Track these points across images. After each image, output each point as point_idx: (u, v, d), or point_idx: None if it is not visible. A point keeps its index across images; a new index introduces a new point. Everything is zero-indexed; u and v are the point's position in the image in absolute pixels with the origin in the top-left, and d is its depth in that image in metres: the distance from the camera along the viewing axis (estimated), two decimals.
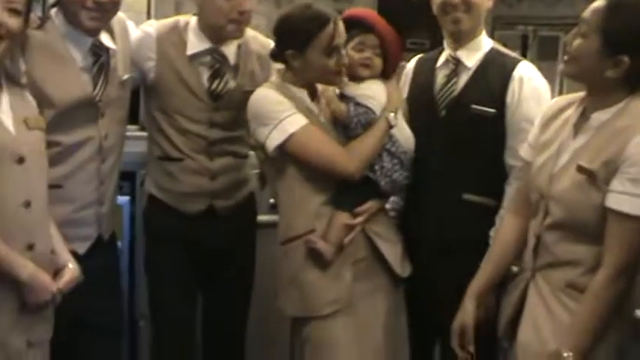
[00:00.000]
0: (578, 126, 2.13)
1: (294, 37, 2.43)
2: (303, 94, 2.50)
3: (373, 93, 2.52)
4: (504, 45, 3.48)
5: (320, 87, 2.58)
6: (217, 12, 2.58)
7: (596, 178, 2.00)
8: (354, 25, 2.54)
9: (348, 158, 2.45)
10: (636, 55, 1.99)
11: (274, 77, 2.56)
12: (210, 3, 2.59)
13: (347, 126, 2.52)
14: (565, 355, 2.01)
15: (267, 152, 2.46)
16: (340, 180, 2.48)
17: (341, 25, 2.44)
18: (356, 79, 2.55)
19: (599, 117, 2.07)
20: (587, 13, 2.05)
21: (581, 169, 2.04)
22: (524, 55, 4.09)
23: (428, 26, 2.84)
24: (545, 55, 4.09)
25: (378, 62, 2.55)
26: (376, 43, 2.54)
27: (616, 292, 2.01)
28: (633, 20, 1.99)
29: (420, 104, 2.65)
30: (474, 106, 2.55)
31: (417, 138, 2.62)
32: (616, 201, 1.97)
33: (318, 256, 2.45)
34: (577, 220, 2.07)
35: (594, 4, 2.05)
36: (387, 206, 2.70)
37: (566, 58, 2.11)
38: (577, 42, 2.05)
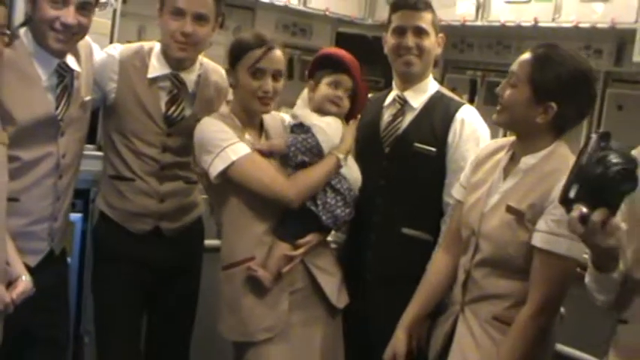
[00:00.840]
0: (508, 169, 2.27)
1: (231, 54, 2.56)
2: (247, 125, 2.58)
3: (330, 130, 2.59)
4: (454, 88, 3.66)
5: (270, 122, 2.67)
6: (164, 32, 2.68)
7: (524, 218, 2.14)
8: (332, 64, 2.65)
9: (289, 185, 2.51)
10: (563, 101, 2.14)
11: (223, 108, 2.65)
12: (162, 24, 2.69)
13: (286, 156, 2.58)
14: None
15: (210, 179, 2.53)
16: (281, 208, 2.54)
17: (275, 53, 2.53)
18: (322, 113, 2.62)
19: (527, 161, 2.21)
20: (515, 65, 2.21)
21: (509, 209, 2.17)
22: (472, 99, 4.25)
23: (383, 64, 2.89)
24: (492, 100, 4.22)
25: (346, 103, 2.64)
26: (350, 85, 2.63)
27: (539, 326, 2.13)
28: (560, 70, 2.14)
29: (367, 140, 2.75)
30: (417, 145, 2.67)
31: (362, 173, 2.69)
32: (541, 240, 2.09)
33: (257, 284, 2.51)
34: (505, 256, 2.19)
35: (522, 57, 2.21)
36: (329, 239, 2.76)
37: (498, 107, 2.25)
38: (508, 92, 2.20)
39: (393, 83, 2.85)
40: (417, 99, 2.77)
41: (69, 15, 2.39)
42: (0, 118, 2.30)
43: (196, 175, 2.72)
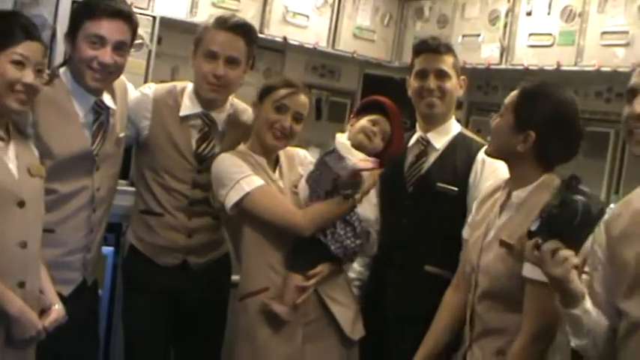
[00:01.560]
0: (504, 205, 2.33)
1: (262, 89, 2.69)
2: (263, 160, 2.67)
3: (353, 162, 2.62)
4: (478, 130, 3.70)
5: (284, 159, 2.76)
6: (197, 73, 2.79)
7: (514, 251, 2.18)
8: (376, 107, 2.74)
9: (301, 215, 2.58)
10: (542, 132, 2.22)
11: (241, 146, 2.73)
12: (196, 65, 2.79)
13: (312, 190, 2.65)
14: None
15: (227, 212, 2.61)
16: (293, 239, 2.59)
17: (300, 96, 2.66)
18: (357, 147, 2.67)
19: (518, 195, 2.28)
20: (506, 98, 2.32)
21: (501, 242, 2.24)
22: None
23: (409, 106, 2.96)
24: None
25: (378, 142, 2.70)
26: (386, 128, 2.71)
27: (534, 355, 2.16)
28: (543, 102, 2.24)
29: (391, 180, 2.81)
30: (439, 185, 2.73)
31: (385, 211, 2.76)
32: (529, 270, 2.13)
33: (271, 315, 2.56)
34: (502, 289, 2.24)
35: (513, 92, 2.31)
36: (352, 275, 2.82)
37: (488, 138, 2.37)
38: (496, 121, 2.32)
39: (417, 125, 2.91)
40: (440, 140, 2.84)
41: (106, 55, 2.52)
42: (39, 152, 2.40)
43: (216, 210, 2.78)
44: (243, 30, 2.78)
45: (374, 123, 2.69)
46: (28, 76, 2.21)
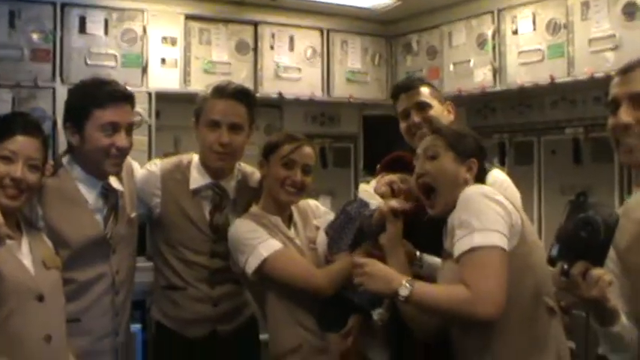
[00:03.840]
0: (444, 235, 2.32)
1: (266, 148, 2.72)
2: (277, 220, 2.69)
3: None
4: None
5: (297, 215, 2.77)
6: (202, 143, 2.81)
7: (452, 253, 2.16)
8: (403, 164, 2.71)
9: (320, 275, 2.59)
10: (479, 156, 2.33)
11: (253, 207, 2.75)
12: (199, 136, 2.82)
13: (333, 242, 2.65)
14: (407, 284, 2.12)
15: (247, 278, 2.63)
16: (315, 298, 2.59)
17: (306, 149, 2.69)
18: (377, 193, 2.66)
19: (450, 218, 2.23)
20: (425, 144, 2.37)
21: (444, 255, 2.28)
22: (502, 161, 4.28)
23: None
24: (522, 160, 4.26)
25: (401, 201, 2.63)
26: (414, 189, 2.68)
27: (469, 313, 2.04)
28: (465, 135, 2.38)
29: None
30: None
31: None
32: (458, 247, 2.10)
33: None
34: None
35: (425, 140, 2.38)
36: (375, 317, 2.80)
37: (423, 189, 2.34)
38: (431, 164, 2.33)
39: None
40: None
41: (122, 140, 2.54)
42: (53, 243, 2.42)
43: (238, 275, 2.78)
44: (241, 95, 2.82)
45: (402, 181, 2.68)
46: (16, 171, 2.22)
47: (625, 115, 1.91)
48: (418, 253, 2.56)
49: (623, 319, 1.91)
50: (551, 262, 1.86)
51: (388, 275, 2.21)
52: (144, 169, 2.92)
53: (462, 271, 2.08)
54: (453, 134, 2.36)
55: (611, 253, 1.96)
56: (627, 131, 1.91)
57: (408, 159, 2.74)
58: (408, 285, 2.13)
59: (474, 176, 2.32)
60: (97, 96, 2.54)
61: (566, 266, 1.81)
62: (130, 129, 2.59)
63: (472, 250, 2.06)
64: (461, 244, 2.09)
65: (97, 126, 2.52)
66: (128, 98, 2.60)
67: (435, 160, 2.32)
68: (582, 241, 1.80)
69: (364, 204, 2.61)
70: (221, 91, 2.80)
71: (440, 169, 2.31)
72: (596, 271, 1.78)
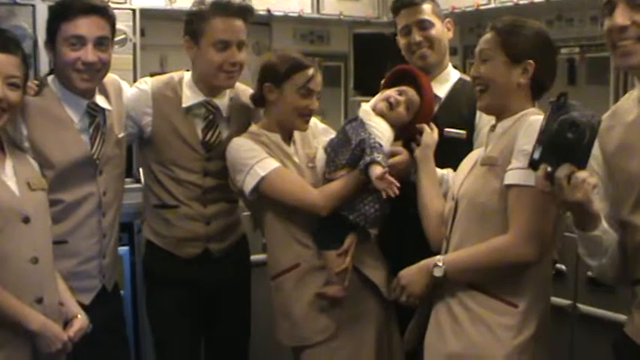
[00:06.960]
0: (489, 138, 2.30)
1: (276, 72, 2.62)
2: (277, 137, 2.66)
3: (379, 133, 2.60)
4: None
5: (297, 133, 2.73)
6: (209, 64, 2.72)
7: (496, 164, 2.15)
8: (405, 77, 2.73)
9: (317, 194, 2.58)
10: (538, 58, 2.20)
11: (252, 126, 2.71)
12: (203, 56, 2.73)
13: (331, 160, 2.64)
14: (439, 262, 2.20)
15: (245, 196, 2.62)
16: (313, 217, 2.59)
17: (318, 76, 2.64)
18: (376, 113, 2.65)
19: (502, 125, 2.24)
20: (480, 45, 2.26)
21: (484, 160, 2.22)
22: None
23: (404, 59, 2.91)
24: None
25: (401, 112, 2.67)
26: (415, 99, 2.69)
27: (517, 256, 2.10)
28: (526, 32, 2.22)
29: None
30: (447, 130, 2.71)
31: None
32: (512, 177, 2.09)
33: (305, 289, 2.60)
34: (477, 206, 2.20)
35: (484, 37, 2.27)
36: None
37: (478, 89, 2.28)
38: (483, 68, 2.24)
39: None
40: (441, 89, 2.83)
41: (88, 53, 2.46)
42: (38, 164, 2.37)
43: (236, 194, 2.78)
44: (246, 12, 2.76)
45: (400, 92, 2.68)
46: None
47: (621, 17, 1.86)
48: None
49: (604, 223, 1.90)
50: (533, 164, 1.82)
51: (418, 271, 2.32)
52: (134, 87, 2.85)
53: (510, 204, 2.11)
54: (507, 32, 2.23)
55: (598, 155, 1.94)
56: (623, 33, 1.86)
57: (414, 72, 2.74)
58: (440, 264, 2.22)
59: (531, 78, 2.21)
60: (64, 8, 2.47)
61: (550, 169, 1.77)
62: (101, 43, 2.49)
63: (525, 186, 2.05)
64: (515, 174, 2.08)
65: (63, 39, 2.46)
66: (96, 9, 2.49)
67: (487, 64, 2.25)
68: (568, 142, 1.76)
69: (362, 123, 2.61)
70: (224, 9, 2.70)
71: (490, 73, 2.23)
72: (581, 174, 1.76)
